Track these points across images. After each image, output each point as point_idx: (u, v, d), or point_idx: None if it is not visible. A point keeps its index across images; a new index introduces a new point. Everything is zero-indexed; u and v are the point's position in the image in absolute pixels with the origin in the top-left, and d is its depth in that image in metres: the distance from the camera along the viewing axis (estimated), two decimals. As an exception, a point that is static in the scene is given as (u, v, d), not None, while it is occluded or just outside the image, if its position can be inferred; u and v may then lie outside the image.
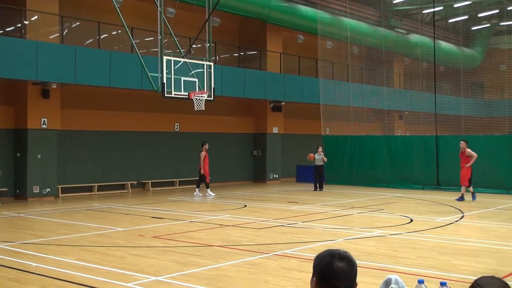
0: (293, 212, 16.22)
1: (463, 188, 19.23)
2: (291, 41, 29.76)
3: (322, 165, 23.60)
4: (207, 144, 21.68)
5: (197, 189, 21.53)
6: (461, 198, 19.11)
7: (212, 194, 21.22)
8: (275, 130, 28.32)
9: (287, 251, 10.27)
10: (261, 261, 9.44)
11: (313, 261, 2.66)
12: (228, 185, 24.99)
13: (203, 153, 21.32)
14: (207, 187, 21.32)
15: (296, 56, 29.03)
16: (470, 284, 2.40)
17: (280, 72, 27.72)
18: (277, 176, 28.30)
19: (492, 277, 2.37)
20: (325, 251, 2.68)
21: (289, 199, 20.12)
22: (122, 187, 22.97)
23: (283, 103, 27.79)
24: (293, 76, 27.90)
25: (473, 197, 19.13)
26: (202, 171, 21.22)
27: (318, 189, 23.34)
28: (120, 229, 12.99)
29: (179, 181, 24.76)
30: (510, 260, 9.59)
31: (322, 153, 23.63)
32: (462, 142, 19.40)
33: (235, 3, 24.55)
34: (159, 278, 8.18)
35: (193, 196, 21.13)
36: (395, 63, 35.70)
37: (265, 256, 9.79)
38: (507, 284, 2.37)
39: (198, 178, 21.60)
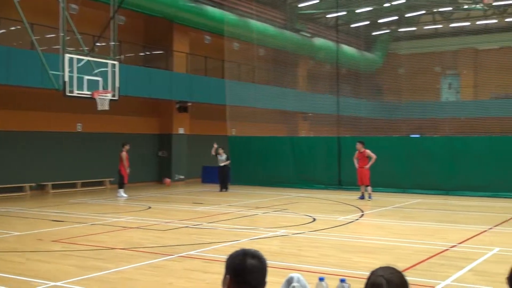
0: (198, 213, 16.17)
1: (363, 188, 19.98)
2: (198, 42, 29.66)
3: (226, 165, 23.68)
4: (128, 144, 21.48)
5: (121, 190, 21.15)
6: (362, 197, 19.86)
7: (125, 195, 20.89)
8: (181, 130, 28.13)
9: (191, 252, 10.23)
10: (164, 263, 9.34)
11: (225, 261, 2.71)
12: (132, 187, 24.51)
13: (124, 154, 21.13)
14: (121, 188, 21.15)
15: (203, 57, 28.97)
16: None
17: (187, 72, 27.56)
18: (182, 177, 28.11)
19: (387, 267, 2.49)
20: (237, 250, 2.76)
21: (194, 200, 20.04)
22: (20, 189, 21.99)
23: (189, 104, 27.64)
24: (199, 77, 27.82)
25: (370, 197, 19.86)
26: (125, 171, 21.21)
27: (223, 189, 23.40)
28: (18, 233, 12.45)
29: (81, 182, 24.04)
30: (406, 256, 10.01)
31: (225, 154, 23.72)
32: (358, 143, 20.20)
33: (140, 2, 24.17)
34: (58, 284, 7.91)
35: (117, 198, 20.72)
36: (300, 66, 36.41)
37: (169, 258, 9.70)
38: (400, 272, 2.47)
39: (119, 179, 21.42)
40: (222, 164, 23.58)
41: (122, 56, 25.07)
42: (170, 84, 25.74)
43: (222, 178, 23.58)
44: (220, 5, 29.09)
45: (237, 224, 14.02)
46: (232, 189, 24.05)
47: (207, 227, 13.46)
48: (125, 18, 25.04)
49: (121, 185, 21.23)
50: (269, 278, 2.78)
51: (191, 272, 8.67)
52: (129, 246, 10.81)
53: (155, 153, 27.84)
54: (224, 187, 23.46)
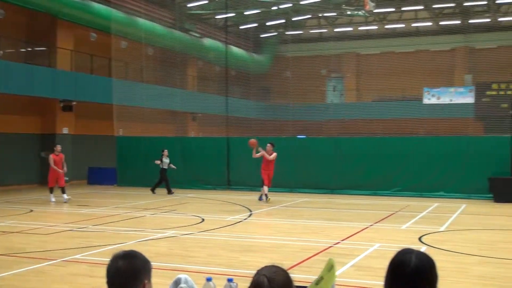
0: (84, 216, 15.70)
1: (266, 188, 19.40)
2: (83, 39, 28.74)
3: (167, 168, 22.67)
4: (58, 146, 19.80)
5: (51, 194, 19.48)
6: (262, 198, 19.52)
7: (67, 197, 19.34)
8: (65, 130, 27.13)
9: (76, 256, 9.91)
10: (49, 268, 8.98)
11: None
12: (11, 189, 23.38)
13: (51, 157, 19.40)
14: (63, 192, 19.36)
15: (89, 55, 28.14)
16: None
17: (71, 70, 26.65)
18: (67, 178, 27.00)
19: (271, 266, 2.54)
20: (118, 252, 2.73)
21: (80, 202, 19.42)
22: None
23: (74, 103, 26.74)
24: (85, 75, 27.00)
25: (266, 197, 19.59)
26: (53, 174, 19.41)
27: (172, 193, 22.31)
28: None
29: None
30: (292, 253, 10.26)
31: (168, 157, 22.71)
32: (269, 144, 19.60)
33: (22, -5, 23.14)
34: None
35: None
36: (189, 66, 36.34)
37: (53, 263, 9.34)
38: (284, 271, 2.53)
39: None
40: (165, 167, 22.52)
41: (1, 52, 23.84)
42: (54, 82, 24.78)
43: (165, 181, 22.56)
44: (106, 2, 28.39)
45: (125, 226, 13.75)
46: (119, 190, 23.58)
47: (93, 230, 13.10)
48: (4, 12, 23.80)
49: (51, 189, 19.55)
50: (156, 280, 2.76)
51: (76, 277, 8.40)
52: (9, 251, 10.29)
53: (37, 154, 26.62)
54: (168, 190, 22.50)
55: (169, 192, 22.36)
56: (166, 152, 22.71)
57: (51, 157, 19.46)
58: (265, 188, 19.37)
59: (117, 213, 16.27)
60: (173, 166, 22.69)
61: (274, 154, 19.45)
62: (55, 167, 19.31)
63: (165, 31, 32.77)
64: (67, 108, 26.75)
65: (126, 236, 12.11)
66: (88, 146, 28.77)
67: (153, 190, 22.55)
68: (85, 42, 28.87)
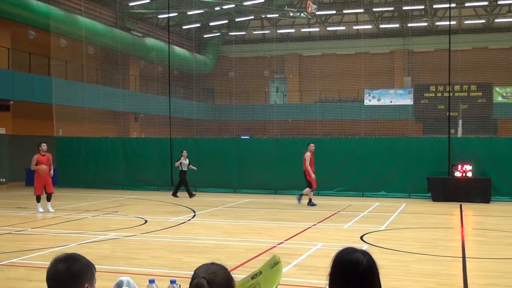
0: (23, 218, 15.26)
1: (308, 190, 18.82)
2: (21, 36, 27.94)
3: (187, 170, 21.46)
4: (43, 144, 16.84)
5: (38, 204, 16.73)
6: (312, 203, 18.65)
7: (41, 210, 16.60)
8: (2, 131, 26.31)
9: (14, 260, 9.62)
10: (-16, 273, 8.68)
11: None
12: None
13: (35, 157, 16.63)
14: (48, 200, 16.77)
15: (27, 53, 27.37)
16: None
17: (8, 68, 25.86)
18: (4, 180, 26.31)
19: (210, 264, 2.53)
20: (60, 255, 2.71)
21: (18, 204, 18.84)
22: None
23: (12, 102, 25.97)
24: (23, 74, 26.22)
25: (300, 199, 18.92)
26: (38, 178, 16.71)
27: (190, 196, 21.05)
28: None
29: None
30: (236, 254, 10.26)
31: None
32: (313, 144, 19.04)
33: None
34: None
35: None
36: (131, 65, 35.88)
37: (-11, 267, 9.04)
38: (224, 269, 2.52)
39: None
40: (185, 169, 21.24)
41: None
42: (-10, 80, 23.99)
43: (185, 184, 21.34)
44: (46, -1, 27.74)
45: (66, 228, 13.44)
46: (60, 192, 23.02)
47: (33, 233, 12.75)
48: None
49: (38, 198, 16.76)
50: (99, 283, 2.70)
51: (15, 281, 8.15)
52: None
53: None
54: (189, 192, 21.26)
55: (190, 195, 21.10)
56: (185, 153, 21.31)
57: (35, 157, 16.66)
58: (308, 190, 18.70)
59: (58, 216, 15.89)
60: (193, 167, 21.41)
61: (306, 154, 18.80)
62: (35, 167, 16.50)
63: (106, 30, 32.23)
64: (4, 107, 25.99)
65: (67, 239, 11.84)
66: (26, 147, 27.87)
67: (175, 194, 21.35)
68: (23, 40, 28.09)
